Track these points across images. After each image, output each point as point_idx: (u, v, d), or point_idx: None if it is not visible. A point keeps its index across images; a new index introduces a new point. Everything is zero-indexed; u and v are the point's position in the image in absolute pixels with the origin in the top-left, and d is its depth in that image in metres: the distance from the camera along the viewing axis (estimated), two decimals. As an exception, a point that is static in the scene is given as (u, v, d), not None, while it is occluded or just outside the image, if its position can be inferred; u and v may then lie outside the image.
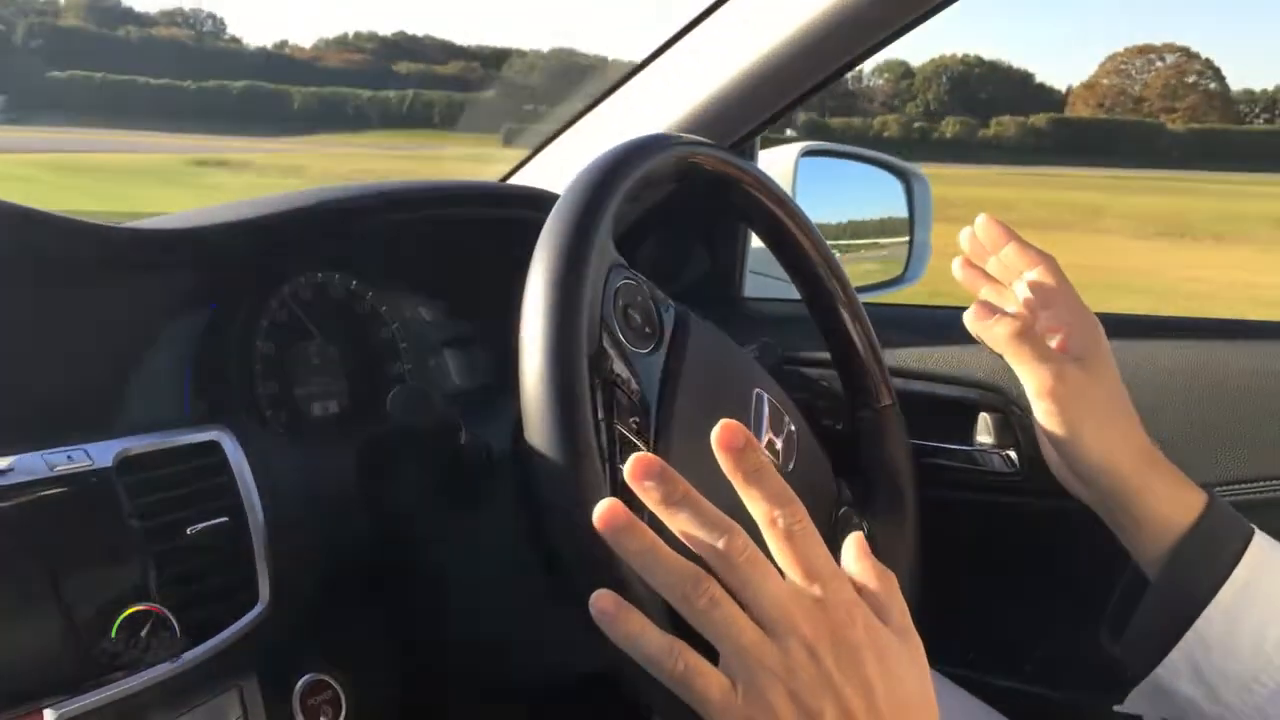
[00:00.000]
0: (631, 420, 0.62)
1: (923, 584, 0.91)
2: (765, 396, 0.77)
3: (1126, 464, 0.74)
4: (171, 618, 0.64)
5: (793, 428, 0.79)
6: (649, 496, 0.52)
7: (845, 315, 0.91)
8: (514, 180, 1.27)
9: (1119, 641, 0.76)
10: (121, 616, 0.61)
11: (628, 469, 0.52)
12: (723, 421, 0.52)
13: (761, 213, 0.86)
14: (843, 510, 0.85)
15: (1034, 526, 1.14)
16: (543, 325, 0.58)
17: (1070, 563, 1.13)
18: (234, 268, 0.86)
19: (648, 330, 0.69)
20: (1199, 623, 0.70)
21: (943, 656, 1.02)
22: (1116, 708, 0.80)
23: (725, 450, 0.52)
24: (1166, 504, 0.73)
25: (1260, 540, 0.71)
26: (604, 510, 0.51)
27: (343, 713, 0.72)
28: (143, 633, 0.60)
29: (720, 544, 0.51)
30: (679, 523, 0.51)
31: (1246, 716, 0.70)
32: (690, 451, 0.56)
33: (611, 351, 0.63)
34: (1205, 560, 0.70)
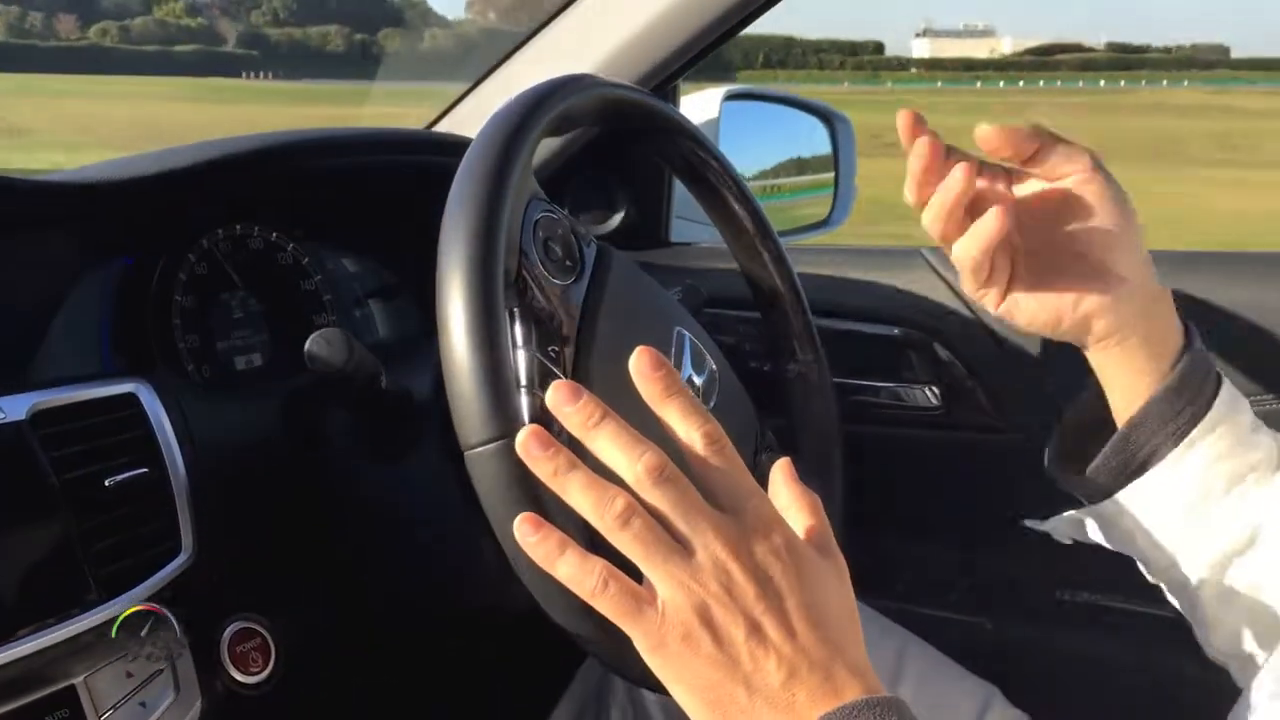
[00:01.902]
0: (550, 349, 0.63)
1: (847, 524, 0.93)
2: (687, 335, 0.78)
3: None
4: (172, 619, 0.65)
5: (714, 367, 0.80)
6: (568, 421, 0.52)
7: (768, 261, 0.91)
8: (438, 128, 1.26)
9: (1070, 471, 0.74)
10: (121, 617, 0.62)
11: (548, 395, 0.52)
12: (639, 347, 0.53)
13: (680, 154, 0.86)
14: (765, 455, 0.87)
15: (957, 460, 1.16)
16: (460, 252, 0.58)
17: (993, 494, 1.16)
18: (146, 220, 0.85)
19: (568, 263, 0.69)
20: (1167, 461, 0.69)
21: (870, 589, 1.05)
22: (1030, 522, 0.80)
23: (641, 375, 0.53)
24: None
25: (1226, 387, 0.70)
26: (523, 436, 0.52)
27: (272, 658, 0.72)
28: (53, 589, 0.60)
29: (639, 464, 0.51)
30: (598, 445, 0.52)
31: (1171, 556, 0.71)
32: (610, 381, 0.57)
33: (530, 281, 0.64)
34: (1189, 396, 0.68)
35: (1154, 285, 0.69)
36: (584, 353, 0.66)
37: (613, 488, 0.51)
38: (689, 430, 0.53)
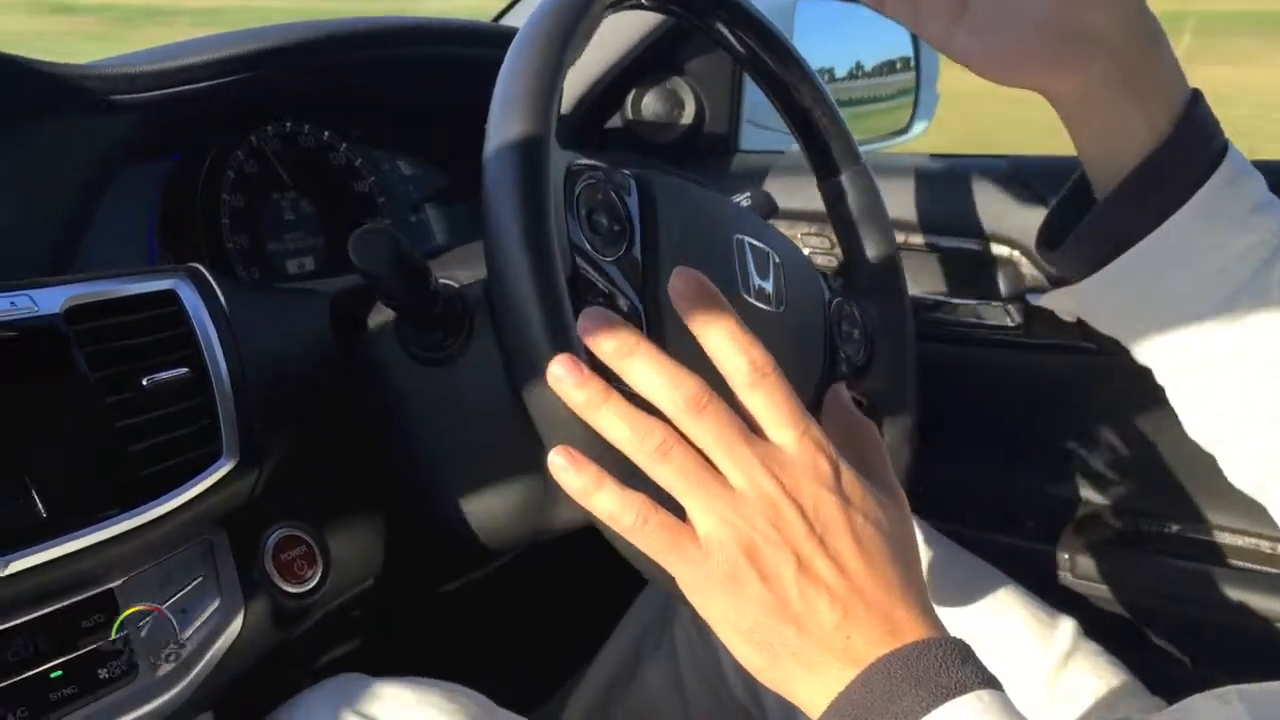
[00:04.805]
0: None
1: (920, 440, 0.88)
2: (746, 241, 0.73)
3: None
4: (173, 620, 0.63)
5: (777, 260, 0.75)
6: (600, 349, 0.48)
7: (844, 169, 0.86)
8: (506, 21, 1.21)
9: (1058, 250, 0.65)
10: (121, 617, 0.60)
11: (579, 323, 0.49)
12: (675, 270, 0.49)
13: (746, 45, 0.79)
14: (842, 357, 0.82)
15: (1037, 382, 1.11)
16: (517, 290, 0.56)
17: (1073, 417, 1.11)
18: (192, 112, 0.81)
19: (615, 227, 0.66)
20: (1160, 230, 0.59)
21: (941, 516, 1.01)
22: (1030, 297, 0.71)
23: (679, 299, 0.49)
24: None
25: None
26: (555, 364, 0.48)
27: (319, 568, 0.70)
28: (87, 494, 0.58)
29: (677, 392, 0.47)
30: (633, 374, 0.48)
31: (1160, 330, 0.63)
32: (684, 335, 0.53)
33: (587, 271, 0.62)
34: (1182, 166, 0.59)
35: (1142, 42, 0.57)
36: (654, 313, 0.63)
37: (649, 418, 0.48)
38: (734, 356, 0.48)
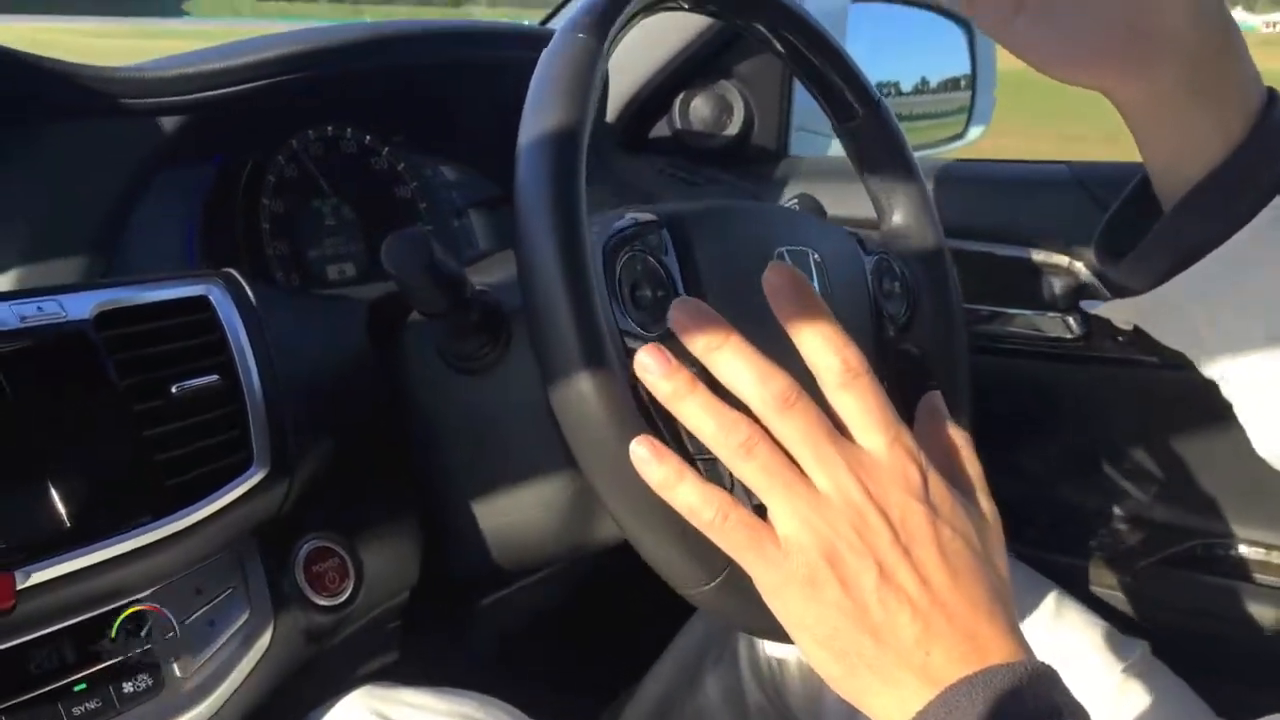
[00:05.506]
0: None
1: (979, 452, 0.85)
2: (784, 251, 0.70)
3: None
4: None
5: (817, 258, 0.72)
6: (691, 341, 0.48)
7: (895, 174, 0.82)
8: (554, 24, 1.19)
9: (1120, 260, 0.61)
10: (121, 617, 0.58)
11: (670, 313, 0.48)
12: (771, 264, 0.48)
13: (793, 46, 0.76)
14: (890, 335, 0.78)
15: (1098, 395, 1.07)
16: (549, 303, 0.53)
17: (1136, 432, 1.07)
18: (233, 115, 0.80)
19: (660, 293, 0.63)
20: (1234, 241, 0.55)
21: (1007, 534, 0.97)
22: (1085, 304, 0.66)
23: (774, 294, 0.48)
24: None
25: None
26: (642, 354, 0.48)
27: (350, 581, 0.68)
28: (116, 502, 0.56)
29: (767, 389, 0.46)
30: (722, 367, 0.47)
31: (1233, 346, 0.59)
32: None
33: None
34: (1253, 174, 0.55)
35: (1215, 40, 0.53)
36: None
37: (735, 412, 0.47)
38: (826, 355, 0.47)
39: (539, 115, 0.56)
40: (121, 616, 0.59)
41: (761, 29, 0.74)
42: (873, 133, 0.79)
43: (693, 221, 0.66)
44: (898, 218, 0.82)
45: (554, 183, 0.54)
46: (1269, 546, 1.02)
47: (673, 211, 0.66)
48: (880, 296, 0.79)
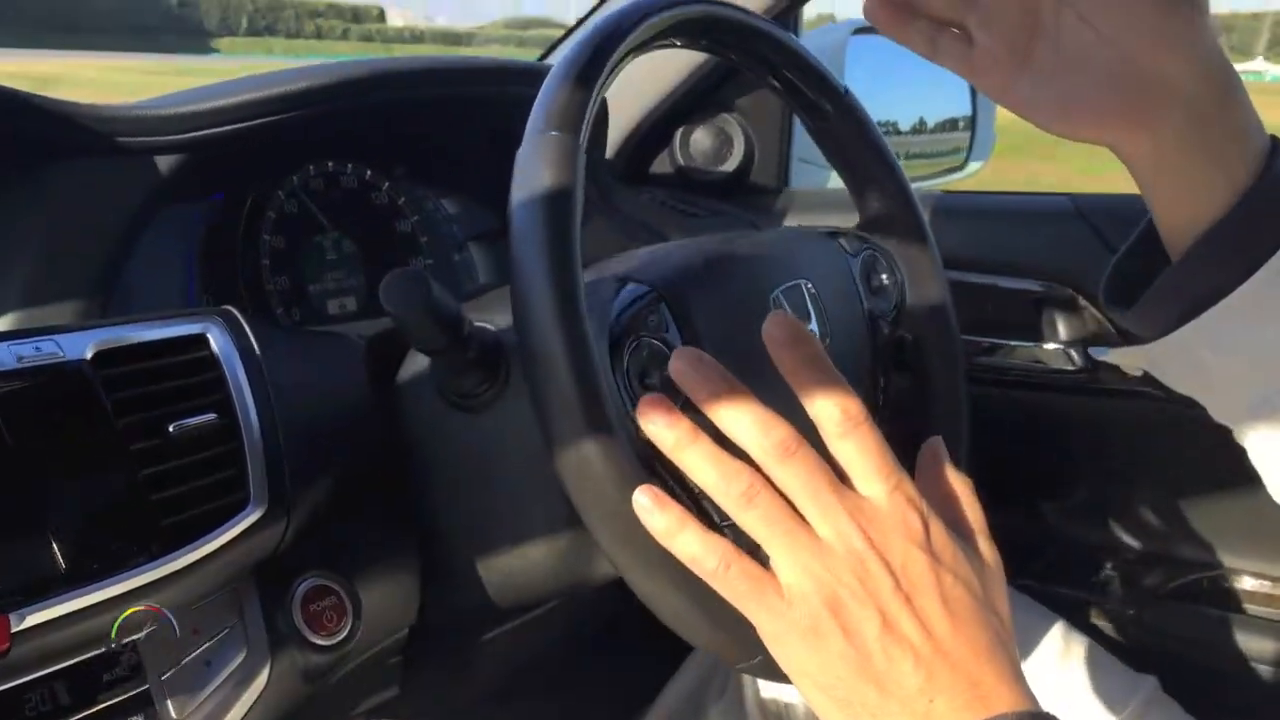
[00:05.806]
0: None
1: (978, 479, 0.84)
2: (780, 295, 0.70)
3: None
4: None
5: (811, 289, 0.72)
6: (692, 390, 0.48)
7: (894, 205, 0.81)
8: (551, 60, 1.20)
9: (1129, 309, 0.60)
10: (121, 617, 0.58)
11: (670, 363, 0.49)
12: (770, 315, 0.49)
13: (786, 78, 0.76)
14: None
15: (1102, 429, 1.06)
16: (544, 345, 0.53)
17: (1141, 467, 1.06)
18: (233, 152, 0.80)
19: (666, 375, 0.62)
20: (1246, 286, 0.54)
21: (1011, 568, 0.96)
22: (1094, 351, 0.65)
23: (774, 345, 0.48)
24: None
25: None
26: (645, 403, 0.48)
27: (349, 620, 0.68)
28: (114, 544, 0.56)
29: (768, 438, 0.46)
30: (724, 417, 0.47)
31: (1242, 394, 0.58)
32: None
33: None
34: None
35: (1218, 90, 0.52)
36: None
37: (738, 462, 0.47)
38: (827, 404, 0.47)
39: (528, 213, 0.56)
40: (118, 657, 0.58)
41: (715, 45, 0.74)
42: (842, 123, 0.79)
43: (689, 283, 0.65)
44: (876, 203, 0.81)
45: (548, 233, 0.55)
46: (1276, 579, 1.02)
47: (668, 279, 0.65)
48: (870, 296, 0.79)
